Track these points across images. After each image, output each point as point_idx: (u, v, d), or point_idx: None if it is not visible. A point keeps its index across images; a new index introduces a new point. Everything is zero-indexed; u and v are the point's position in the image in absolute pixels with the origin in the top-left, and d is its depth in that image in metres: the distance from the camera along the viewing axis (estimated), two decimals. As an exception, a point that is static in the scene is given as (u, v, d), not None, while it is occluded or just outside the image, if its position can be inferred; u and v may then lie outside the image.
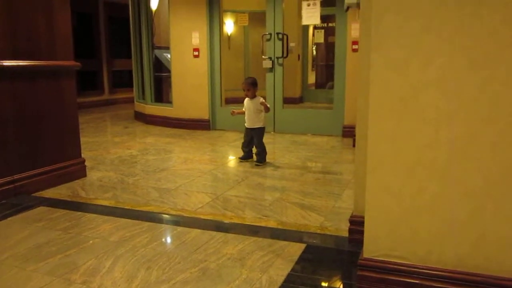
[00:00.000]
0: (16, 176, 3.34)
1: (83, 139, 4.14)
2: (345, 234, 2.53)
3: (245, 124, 4.47)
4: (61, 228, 2.71)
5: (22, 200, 3.24)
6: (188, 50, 6.69)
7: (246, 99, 4.47)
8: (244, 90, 4.42)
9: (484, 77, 1.60)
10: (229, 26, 9.63)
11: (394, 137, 1.74)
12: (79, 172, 3.91)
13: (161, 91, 7.96)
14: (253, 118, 4.41)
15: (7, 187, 3.27)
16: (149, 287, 1.98)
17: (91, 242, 2.50)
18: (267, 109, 4.41)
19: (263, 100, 4.43)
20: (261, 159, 4.45)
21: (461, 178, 1.68)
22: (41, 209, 3.08)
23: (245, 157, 4.55)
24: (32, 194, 3.40)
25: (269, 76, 6.44)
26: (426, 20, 1.63)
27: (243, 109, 4.51)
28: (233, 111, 4.67)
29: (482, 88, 1.61)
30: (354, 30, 5.71)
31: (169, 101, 7.35)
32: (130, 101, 9.56)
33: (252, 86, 4.40)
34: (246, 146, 4.54)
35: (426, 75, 1.66)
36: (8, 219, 2.88)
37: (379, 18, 1.69)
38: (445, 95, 1.65)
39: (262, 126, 4.44)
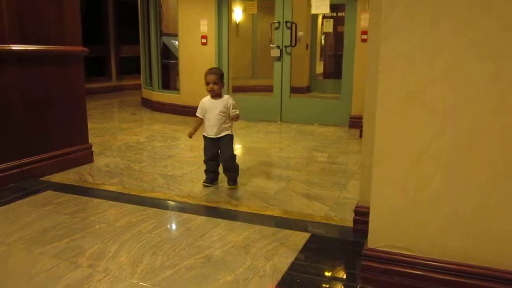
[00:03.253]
0: (23, 160, 3.37)
1: (90, 125, 4.16)
2: (350, 224, 2.54)
3: (206, 134, 3.26)
4: (68, 212, 2.74)
5: (30, 184, 3.27)
6: (196, 37, 6.67)
7: (207, 99, 3.25)
8: (208, 84, 3.17)
9: (493, 69, 1.58)
10: (238, 13, 9.57)
11: (401, 129, 1.74)
12: (86, 157, 3.93)
13: (169, 78, 7.96)
14: (219, 123, 3.19)
15: (14, 171, 3.30)
16: (154, 272, 2.01)
17: (97, 226, 2.53)
18: (237, 119, 3.26)
19: (234, 104, 3.22)
20: (236, 176, 3.36)
21: (467, 171, 1.67)
22: (49, 193, 3.11)
23: (212, 178, 3.36)
24: (40, 178, 3.43)
25: (277, 65, 6.41)
26: (436, 11, 1.62)
27: (199, 117, 3.29)
28: (191, 133, 3.32)
29: (490, 80, 1.59)
30: (363, 20, 5.65)
31: (176, 88, 7.35)
32: (138, 87, 9.57)
33: (221, 79, 3.22)
34: (213, 165, 3.32)
35: (434, 67, 1.65)
36: (16, 202, 2.92)
37: (389, 8, 1.68)
38: (453, 88, 1.64)
39: (231, 132, 3.28)
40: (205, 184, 3.33)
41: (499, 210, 1.66)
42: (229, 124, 3.24)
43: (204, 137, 3.29)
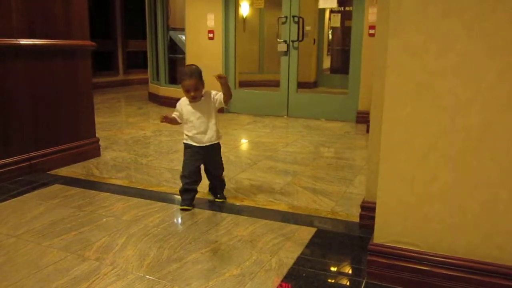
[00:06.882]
0: (31, 154, 3.39)
1: (97, 119, 4.18)
2: (356, 219, 2.53)
3: (193, 142, 2.71)
4: (75, 206, 2.75)
5: (38, 178, 3.30)
6: (203, 32, 6.66)
7: (185, 102, 2.73)
8: (188, 92, 2.64)
9: (503, 64, 1.56)
10: (245, 8, 9.54)
11: (409, 124, 1.72)
12: (94, 151, 3.95)
13: (176, 72, 7.97)
14: (209, 128, 2.70)
15: (23, 164, 3.33)
16: (160, 266, 2.02)
17: (104, 220, 2.55)
18: (229, 96, 2.71)
19: (216, 92, 2.72)
20: (223, 189, 2.95)
21: (476, 167, 1.66)
22: (56, 186, 3.13)
23: (193, 199, 2.77)
24: (47, 172, 3.46)
25: (283, 59, 6.39)
26: (446, 4, 1.60)
27: (175, 114, 2.78)
28: (164, 118, 2.74)
29: (501, 76, 1.57)
30: (371, 14, 5.62)
31: (183, 83, 7.34)
32: (145, 82, 9.60)
33: (201, 80, 2.66)
34: (194, 182, 2.76)
35: (444, 61, 1.63)
36: (24, 195, 2.94)
37: (398, 1, 1.66)
38: (462, 82, 1.62)
39: (220, 139, 2.80)
40: (185, 208, 2.70)
41: (508, 205, 1.64)
42: (218, 127, 2.76)
43: (188, 146, 2.72)
